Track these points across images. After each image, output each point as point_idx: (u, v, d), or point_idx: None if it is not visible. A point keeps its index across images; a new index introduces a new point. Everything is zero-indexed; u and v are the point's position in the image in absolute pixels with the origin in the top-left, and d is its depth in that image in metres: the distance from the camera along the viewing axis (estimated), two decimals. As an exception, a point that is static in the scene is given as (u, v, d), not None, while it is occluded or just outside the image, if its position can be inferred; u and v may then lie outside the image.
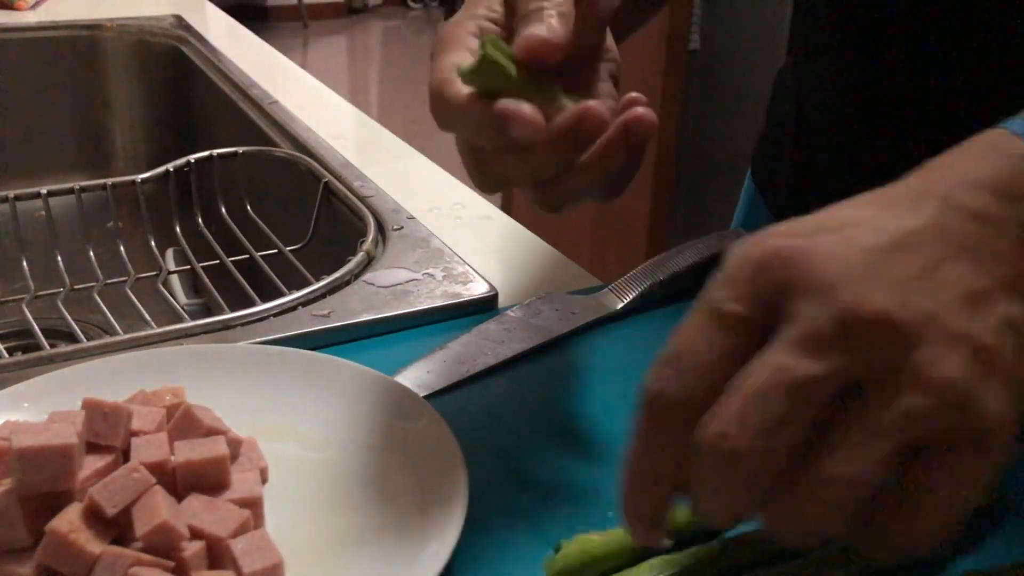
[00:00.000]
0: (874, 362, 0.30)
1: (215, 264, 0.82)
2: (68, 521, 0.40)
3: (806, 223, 0.33)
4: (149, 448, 0.44)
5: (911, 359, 0.30)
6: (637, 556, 0.43)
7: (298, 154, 0.91)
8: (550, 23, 0.44)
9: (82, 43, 1.28)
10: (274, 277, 0.77)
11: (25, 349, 0.63)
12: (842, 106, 0.67)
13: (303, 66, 1.26)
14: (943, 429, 0.30)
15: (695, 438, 0.32)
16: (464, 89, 0.44)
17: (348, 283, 0.67)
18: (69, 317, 0.72)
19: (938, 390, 0.30)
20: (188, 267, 0.85)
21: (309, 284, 0.66)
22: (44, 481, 0.41)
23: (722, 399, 0.31)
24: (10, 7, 1.34)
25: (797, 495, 0.31)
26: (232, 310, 0.64)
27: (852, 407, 0.31)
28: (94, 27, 1.29)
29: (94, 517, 0.41)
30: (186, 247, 0.86)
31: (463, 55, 0.45)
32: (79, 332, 0.69)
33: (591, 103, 0.42)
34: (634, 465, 0.34)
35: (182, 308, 0.74)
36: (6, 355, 0.61)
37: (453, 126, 0.45)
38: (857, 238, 0.32)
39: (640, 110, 0.43)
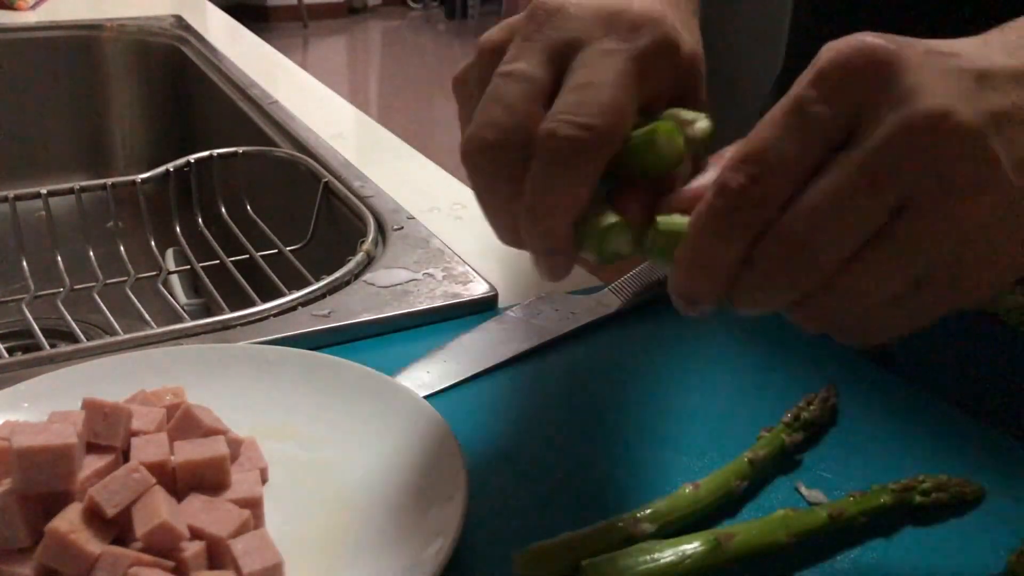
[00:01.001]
0: (938, 172, 0.32)
1: (215, 264, 0.82)
2: (68, 521, 0.40)
3: (902, 38, 0.34)
4: (149, 448, 0.44)
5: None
6: (615, 546, 0.43)
7: (298, 154, 0.91)
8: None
9: (82, 43, 1.28)
10: (274, 277, 0.77)
11: (25, 349, 0.63)
12: None
13: (303, 66, 1.26)
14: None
15: (774, 230, 0.33)
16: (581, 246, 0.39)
17: (348, 283, 0.67)
18: (69, 317, 0.72)
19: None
20: (188, 267, 0.85)
21: (309, 284, 0.66)
22: (44, 481, 0.41)
23: (802, 200, 0.33)
24: (10, 7, 1.34)
25: (834, 294, 0.34)
26: (232, 310, 0.64)
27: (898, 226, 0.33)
28: (94, 27, 1.29)
29: (94, 517, 0.41)
30: (186, 247, 0.86)
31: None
32: (79, 332, 0.69)
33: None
34: (699, 247, 0.35)
35: (182, 308, 0.74)
36: (6, 355, 0.61)
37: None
38: (957, 61, 0.33)
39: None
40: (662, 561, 0.42)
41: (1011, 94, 0.33)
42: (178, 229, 0.89)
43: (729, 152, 0.36)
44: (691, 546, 0.42)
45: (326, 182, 0.85)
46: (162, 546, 0.40)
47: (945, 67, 0.33)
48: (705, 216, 0.34)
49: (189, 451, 0.45)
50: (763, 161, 0.33)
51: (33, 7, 1.36)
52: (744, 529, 0.44)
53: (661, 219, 0.37)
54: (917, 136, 0.32)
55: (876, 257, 0.33)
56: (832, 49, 0.33)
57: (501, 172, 0.38)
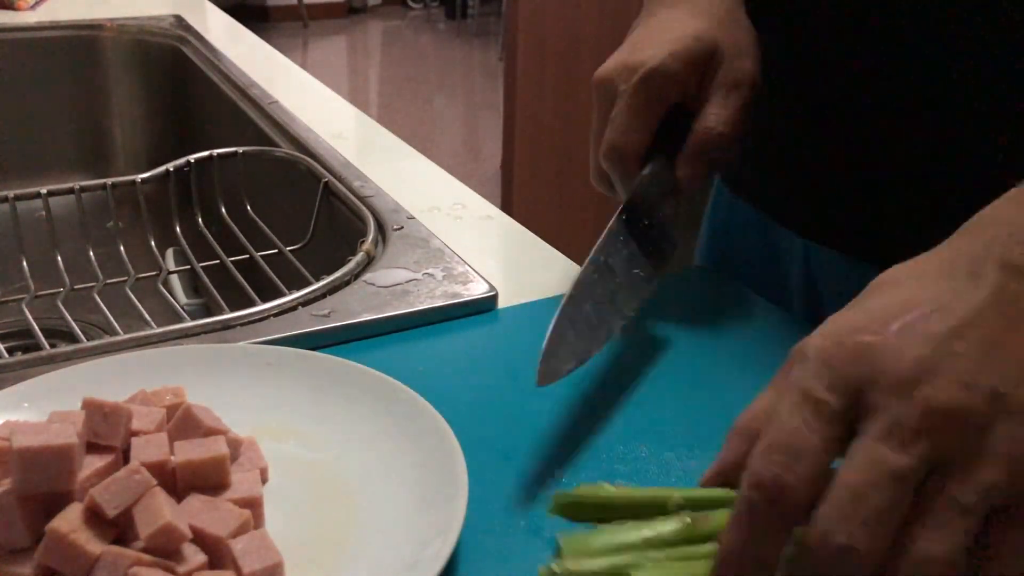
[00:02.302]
0: (954, 446, 0.34)
1: (215, 264, 0.82)
2: (68, 521, 0.40)
3: (874, 310, 0.37)
4: (149, 448, 0.44)
5: (985, 439, 0.34)
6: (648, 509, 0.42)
7: (298, 154, 0.91)
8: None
9: (82, 43, 1.28)
10: (274, 277, 0.77)
11: (25, 349, 0.63)
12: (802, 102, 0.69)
13: (303, 66, 1.26)
14: (1018, 494, 0.34)
15: (805, 536, 0.34)
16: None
17: (348, 283, 0.67)
18: (69, 317, 0.72)
19: (1008, 464, 0.33)
20: (188, 267, 0.85)
21: (309, 284, 0.66)
22: (44, 481, 0.41)
23: (828, 494, 0.34)
24: (10, 7, 1.34)
25: None
26: (232, 310, 0.64)
27: (933, 488, 0.34)
28: (94, 27, 1.29)
29: (94, 517, 0.41)
30: (186, 247, 0.86)
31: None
32: (79, 332, 0.69)
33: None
34: (738, 550, 0.36)
35: (182, 308, 0.74)
36: (6, 355, 0.61)
37: None
38: (926, 327, 0.35)
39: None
40: (636, 538, 0.41)
41: (988, 324, 0.35)
42: (178, 229, 0.89)
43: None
44: (665, 527, 0.42)
45: (326, 182, 0.85)
46: (165, 547, 0.40)
47: (921, 341, 0.35)
48: (741, 513, 0.36)
49: (189, 451, 0.45)
50: (789, 450, 0.35)
51: (33, 7, 1.36)
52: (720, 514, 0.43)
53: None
54: (924, 419, 0.34)
55: (932, 519, 0.34)
56: (820, 343, 0.37)
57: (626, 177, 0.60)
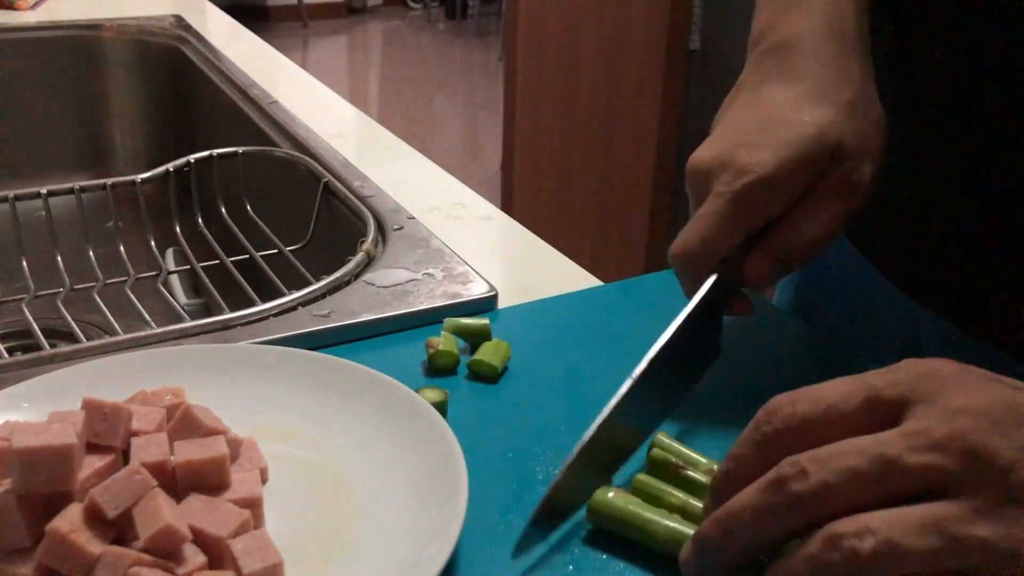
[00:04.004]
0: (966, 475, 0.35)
1: (215, 264, 0.82)
2: (68, 521, 0.40)
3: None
4: (149, 448, 0.44)
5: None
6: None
7: (298, 154, 0.91)
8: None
9: (82, 43, 1.28)
10: (274, 277, 0.77)
11: (25, 349, 0.63)
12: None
13: (303, 66, 1.26)
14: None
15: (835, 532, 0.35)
16: None
17: (348, 283, 0.67)
18: (69, 317, 0.72)
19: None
20: (188, 267, 0.85)
21: (309, 284, 0.66)
22: (44, 481, 0.41)
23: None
24: (10, 7, 1.34)
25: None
26: (232, 310, 0.64)
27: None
28: (94, 27, 1.29)
29: (94, 518, 0.41)
30: (186, 247, 0.86)
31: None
32: (79, 332, 0.69)
33: None
34: (742, 524, 0.37)
35: (182, 308, 0.74)
36: (6, 355, 0.61)
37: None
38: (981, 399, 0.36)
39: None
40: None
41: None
42: (178, 229, 0.89)
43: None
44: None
45: (326, 182, 0.85)
46: (165, 549, 0.40)
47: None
48: (762, 498, 0.37)
49: (189, 451, 0.45)
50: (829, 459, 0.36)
51: (33, 7, 1.36)
52: None
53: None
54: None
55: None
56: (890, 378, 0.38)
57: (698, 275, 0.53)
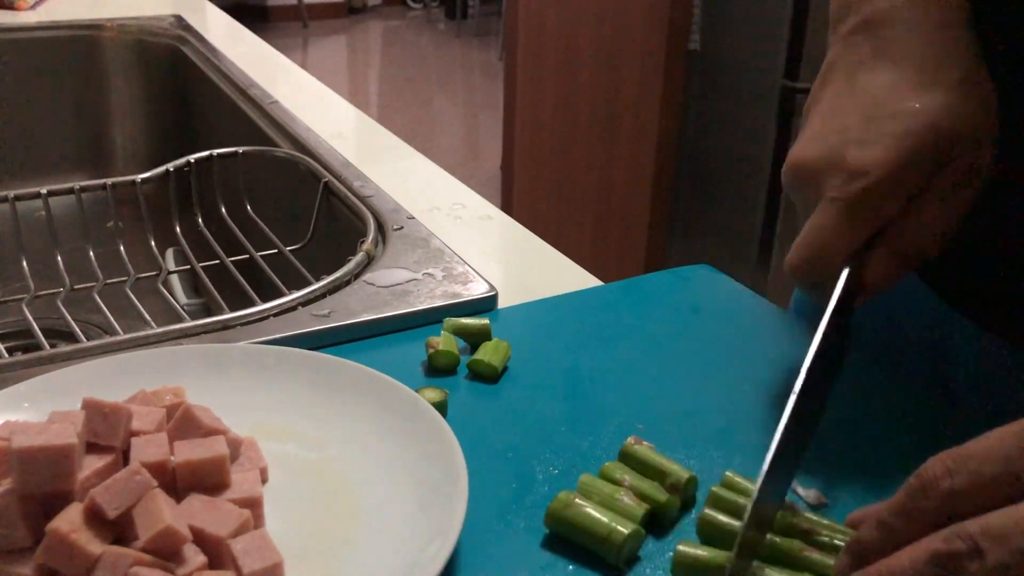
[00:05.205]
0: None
1: (215, 264, 0.82)
2: (68, 521, 0.40)
3: None
4: (149, 448, 0.44)
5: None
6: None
7: (298, 154, 0.91)
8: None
9: (82, 43, 1.28)
10: (274, 277, 0.77)
11: (25, 349, 0.63)
12: None
13: (303, 66, 1.26)
14: None
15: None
16: None
17: (348, 283, 0.67)
18: (69, 317, 0.72)
19: None
20: (188, 267, 0.85)
21: (309, 284, 0.66)
22: (44, 481, 0.41)
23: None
24: (10, 7, 1.34)
25: None
26: (232, 310, 0.64)
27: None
28: (94, 27, 1.29)
29: (95, 518, 0.41)
30: (186, 247, 0.86)
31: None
32: (79, 332, 0.69)
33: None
34: (887, 523, 0.37)
35: (182, 308, 0.74)
36: (6, 355, 0.61)
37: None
38: None
39: None
40: None
41: None
42: (178, 229, 0.89)
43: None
44: None
45: (326, 182, 0.85)
46: (165, 550, 0.40)
47: None
48: (904, 503, 0.37)
49: (189, 451, 0.45)
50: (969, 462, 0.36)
51: (33, 7, 1.36)
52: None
53: None
54: None
55: None
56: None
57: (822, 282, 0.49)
